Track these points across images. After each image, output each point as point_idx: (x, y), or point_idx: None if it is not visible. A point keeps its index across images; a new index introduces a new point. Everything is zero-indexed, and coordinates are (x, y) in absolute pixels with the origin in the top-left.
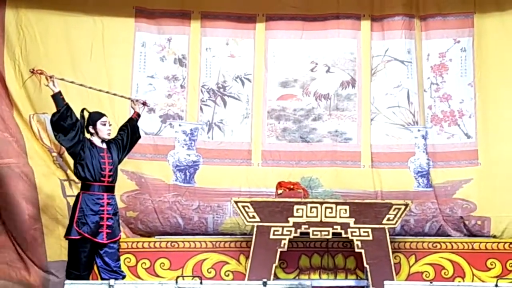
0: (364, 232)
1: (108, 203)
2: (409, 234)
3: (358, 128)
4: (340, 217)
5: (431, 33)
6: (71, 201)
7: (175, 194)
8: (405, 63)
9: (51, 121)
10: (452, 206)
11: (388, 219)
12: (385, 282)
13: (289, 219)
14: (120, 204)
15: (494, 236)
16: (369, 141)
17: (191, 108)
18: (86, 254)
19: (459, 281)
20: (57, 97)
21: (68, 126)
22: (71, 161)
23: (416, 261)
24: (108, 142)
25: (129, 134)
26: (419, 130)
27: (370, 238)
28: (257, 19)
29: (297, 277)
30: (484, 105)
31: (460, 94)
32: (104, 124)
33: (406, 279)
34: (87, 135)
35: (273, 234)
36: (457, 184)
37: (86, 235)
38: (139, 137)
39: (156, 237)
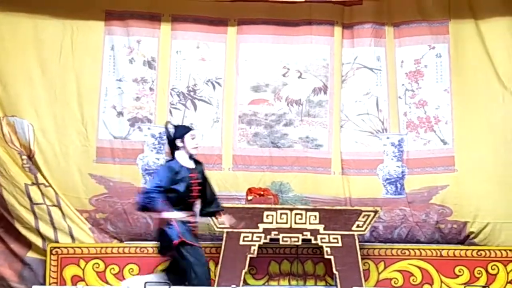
0: (333, 238)
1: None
2: (378, 240)
3: (329, 135)
4: (310, 223)
5: (405, 40)
6: (39, 209)
7: None
8: (374, 70)
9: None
10: (428, 212)
11: (358, 226)
12: None
13: (259, 225)
14: (89, 207)
15: (471, 238)
16: (339, 148)
17: (160, 111)
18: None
19: None
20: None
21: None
22: (41, 165)
23: (385, 267)
24: (195, 161)
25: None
26: (388, 138)
27: (340, 244)
28: (228, 23)
29: (266, 283)
30: (460, 111)
31: (436, 100)
32: (193, 138)
33: (375, 286)
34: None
35: (243, 240)
36: (434, 190)
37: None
38: None
39: (125, 242)
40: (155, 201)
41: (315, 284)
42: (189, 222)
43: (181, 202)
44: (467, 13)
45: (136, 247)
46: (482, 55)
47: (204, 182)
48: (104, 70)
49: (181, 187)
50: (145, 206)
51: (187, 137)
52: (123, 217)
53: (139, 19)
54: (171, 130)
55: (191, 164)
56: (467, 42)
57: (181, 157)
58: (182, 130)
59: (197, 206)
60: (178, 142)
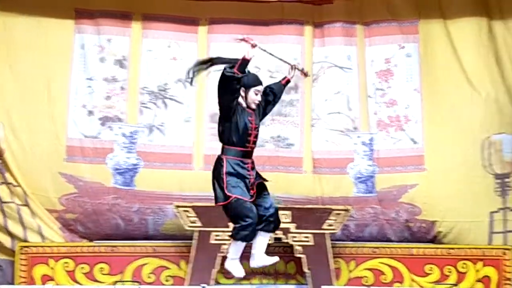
0: (305, 237)
1: (252, 168)
2: (349, 238)
3: (300, 134)
4: (282, 222)
5: (375, 39)
6: (8, 208)
7: (115, 197)
8: (345, 69)
9: (224, 74)
10: (397, 210)
11: (329, 225)
12: (322, 287)
13: (230, 224)
14: (58, 207)
15: (439, 237)
16: (310, 147)
17: (131, 110)
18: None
19: (398, 286)
20: (245, 63)
21: (234, 89)
22: (11, 163)
23: (356, 266)
24: (257, 107)
25: (274, 100)
26: (358, 137)
27: (311, 243)
28: (200, 22)
29: (237, 282)
30: (430, 110)
31: (406, 100)
32: (257, 94)
33: (346, 284)
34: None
35: (214, 239)
36: (403, 189)
37: (241, 197)
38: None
39: (95, 241)
40: None
41: (286, 283)
42: None
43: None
44: (436, 13)
45: (107, 246)
46: (451, 55)
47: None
48: (74, 69)
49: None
50: None
51: (251, 90)
52: (93, 218)
53: (109, 18)
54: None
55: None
56: (436, 42)
57: (242, 103)
58: (252, 81)
59: None
60: (241, 91)
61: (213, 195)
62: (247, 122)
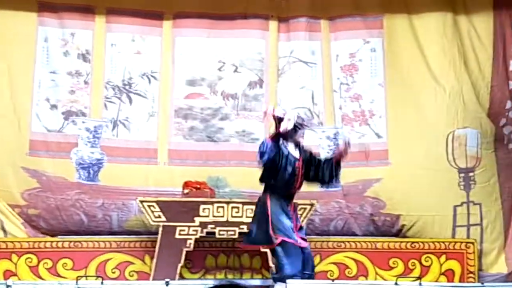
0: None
1: (294, 209)
2: (314, 233)
3: (265, 128)
4: (247, 216)
5: (340, 34)
6: None
7: (78, 192)
8: (310, 64)
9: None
10: (362, 204)
11: None
12: (287, 280)
13: (195, 218)
14: (21, 202)
15: (403, 231)
16: None
17: (95, 105)
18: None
19: (362, 280)
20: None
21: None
22: None
23: (321, 260)
24: (300, 149)
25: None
26: (323, 131)
27: None
28: (164, 16)
29: (202, 277)
30: (394, 105)
31: (371, 94)
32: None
33: None
34: None
35: (179, 234)
36: (368, 183)
37: (287, 239)
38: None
39: (59, 236)
40: None
41: (252, 277)
42: None
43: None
44: (401, 8)
45: (70, 241)
46: (415, 50)
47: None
48: (37, 62)
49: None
50: None
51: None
52: (55, 214)
53: (73, 12)
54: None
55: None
56: (400, 37)
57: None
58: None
59: None
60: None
61: (179, 190)
62: (294, 169)
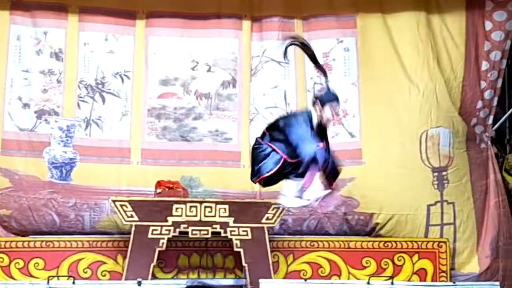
0: (243, 231)
1: None
2: (287, 232)
3: (238, 128)
4: (220, 216)
5: (313, 34)
6: None
7: (51, 191)
8: (282, 64)
9: None
10: (336, 203)
11: (267, 219)
12: (260, 280)
13: (168, 218)
14: None
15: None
16: (248, 141)
17: (67, 104)
18: None
19: (335, 279)
20: None
21: None
22: None
23: (294, 259)
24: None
25: None
26: None
27: (249, 237)
28: (137, 15)
29: (175, 277)
30: (367, 104)
31: (344, 94)
32: (332, 111)
33: (284, 278)
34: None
35: (152, 234)
36: (342, 183)
37: None
38: None
39: (30, 236)
40: None
41: (225, 277)
42: None
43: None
44: (374, 7)
45: (42, 241)
46: (389, 49)
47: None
48: (9, 60)
49: None
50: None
51: (327, 106)
52: (27, 214)
53: (46, 10)
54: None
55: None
56: (374, 36)
57: (314, 116)
58: (328, 97)
59: None
60: (316, 106)
61: (152, 190)
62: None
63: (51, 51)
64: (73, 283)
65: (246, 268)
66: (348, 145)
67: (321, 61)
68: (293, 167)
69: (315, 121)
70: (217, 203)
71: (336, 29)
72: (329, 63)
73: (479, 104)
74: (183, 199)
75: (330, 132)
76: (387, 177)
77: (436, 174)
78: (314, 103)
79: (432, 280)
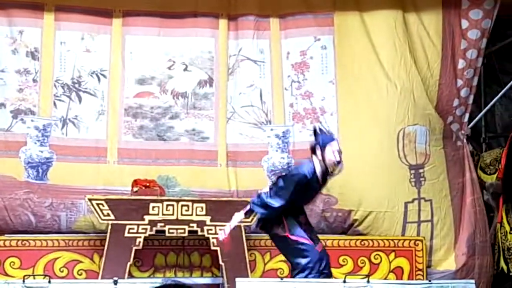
0: (220, 230)
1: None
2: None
3: (215, 127)
4: (197, 215)
5: (290, 32)
6: None
7: (27, 191)
8: (258, 62)
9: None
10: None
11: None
12: (236, 279)
13: (145, 217)
14: None
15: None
16: (225, 140)
17: (44, 103)
18: None
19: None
20: None
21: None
22: None
23: (271, 258)
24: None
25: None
26: (272, 129)
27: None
28: (113, 14)
29: (152, 276)
30: (345, 102)
31: (322, 92)
32: (334, 152)
33: (261, 276)
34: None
35: (128, 232)
36: None
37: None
38: None
39: (6, 235)
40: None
41: (202, 276)
42: None
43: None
44: (351, 5)
45: (17, 240)
46: (367, 47)
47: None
48: None
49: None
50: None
51: (327, 148)
52: (3, 214)
53: (21, 9)
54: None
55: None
56: (352, 34)
57: (317, 164)
58: (325, 140)
59: None
60: (317, 150)
61: (128, 189)
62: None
63: (27, 50)
64: (49, 282)
65: (223, 267)
66: None
67: (298, 59)
68: None
69: (318, 170)
70: (194, 201)
71: (313, 27)
72: (306, 61)
73: (456, 102)
74: (159, 197)
75: (308, 131)
76: (365, 174)
77: (413, 171)
78: (314, 152)
79: (408, 278)
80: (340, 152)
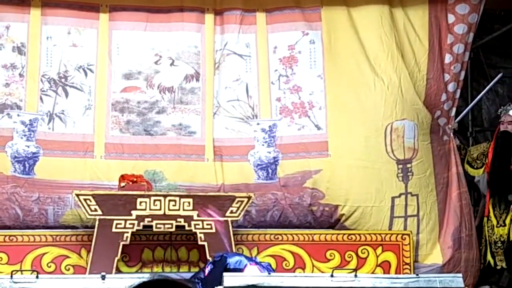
0: (207, 224)
1: None
2: (251, 224)
3: (202, 122)
4: (184, 210)
5: (277, 26)
6: None
7: (14, 186)
8: (244, 57)
9: None
10: (301, 195)
11: (231, 212)
12: (224, 273)
13: (132, 212)
14: None
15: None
16: (212, 134)
17: (30, 98)
18: None
19: (300, 272)
20: None
21: None
22: None
23: (258, 252)
24: None
25: None
26: (258, 124)
27: (213, 230)
28: (100, 9)
29: (139, 271)
30: (333, 97)
31: (310, 86)
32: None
33: None
34: None
35: (116, 227)
36: (308, 174)
37: None
38: None
39: None
40: None
41: (189, 271)
42: None
43: None
44: (339, 0)
45: (4, 235)
46: (354, 41)
47: None
48: None
49: None
50: None
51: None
52: None
53: (7, 4)
54: None
55: None
56: (339, 29)
57: None
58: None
59: None
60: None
61: (115, 184)
62: None
63: (14, 46)
64: (37, 277)
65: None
66: (315, 138)
67: (286, 53)
68: None
69: None
70: (181, 196)
71: (301, 22)
72: (295, 56)
73: (443, 96)
74: (147, 192)
75: (296, 125)
76: (353, 169)
77: (401, 166)
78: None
79: (395, 273)
80: None
